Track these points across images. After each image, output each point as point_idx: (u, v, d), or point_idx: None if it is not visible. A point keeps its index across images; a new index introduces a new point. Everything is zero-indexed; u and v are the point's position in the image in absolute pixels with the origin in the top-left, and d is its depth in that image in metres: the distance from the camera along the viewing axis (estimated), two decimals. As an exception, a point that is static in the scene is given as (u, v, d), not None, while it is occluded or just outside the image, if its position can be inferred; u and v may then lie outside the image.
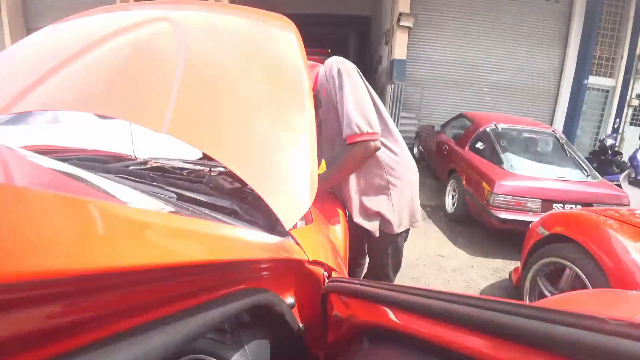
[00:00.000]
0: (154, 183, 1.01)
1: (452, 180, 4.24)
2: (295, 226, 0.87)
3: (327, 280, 0.74)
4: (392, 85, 7.05)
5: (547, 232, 2.14)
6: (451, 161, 4.43)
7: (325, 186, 1.39)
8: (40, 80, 1.12)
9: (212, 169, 1.58)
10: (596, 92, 8.44)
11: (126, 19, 1.36)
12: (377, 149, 1.26)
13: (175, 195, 0.93)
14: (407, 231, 1.49)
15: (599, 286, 1.67)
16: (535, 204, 3.24)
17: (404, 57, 7.48)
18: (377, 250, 1.50)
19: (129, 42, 1.23)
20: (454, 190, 4.17)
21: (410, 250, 3.20)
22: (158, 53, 1.17)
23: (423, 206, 4.47)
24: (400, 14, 7.20)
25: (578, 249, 1.84)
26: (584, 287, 1.75)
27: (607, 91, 8.47)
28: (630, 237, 1.67)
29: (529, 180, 3.36)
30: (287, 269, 0.71)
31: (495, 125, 4.11)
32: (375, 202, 1.38)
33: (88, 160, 1.39)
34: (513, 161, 3.65)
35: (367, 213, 1.39)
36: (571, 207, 3.26)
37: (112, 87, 1.09)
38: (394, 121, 7.01)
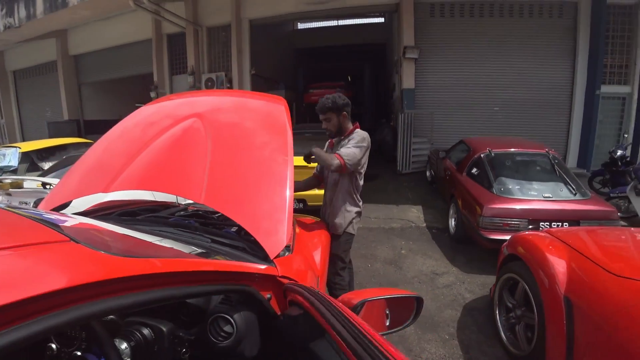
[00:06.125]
0: (197, 232, 1.62)
1: (452, 204, 4.65)
2: (279, 255, 1.42)
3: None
4: (402, 115, 7.56)
5: (507, 252, 2.57)
6: (452, 186, 4.84)
7: (317, 153, 2.28)
8: (122, 168, 1.89)
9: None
10: (612, 101, 8.47)
11: (169, 117, 2.09)
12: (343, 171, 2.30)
13: (209, 240, 1.53)
14: None
15: (538, 296, 2.08)
16: (522, 225, 3.59)
17: (413, 87, 8.02)
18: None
19: (173, 137, 1.97)
20: (455, 213, 4.56)
21: (409, 269, 3.66)
22: (194, 144, 1.88)
23: (430, 228, 4.89)
24: (406, 47, 7.78)
25: (524, 266, 2.26)
26: (528, 298, 2.17)
27: (624, 98, 8.48)
28: (559, 254, 2.08)
29: (516, 202, 3.73)
30: (267, 278, 1.23)
31: (489, 151, 4.50)
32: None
33: (148, 211, 2.07)
34: (503, 185, 4.03)
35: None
36: (558, 225, 3.59)
37: (167, 171, 1.83)
38: (407, 146, 7.48)
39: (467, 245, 4.19)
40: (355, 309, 1.01)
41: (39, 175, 5.26)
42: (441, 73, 8.39)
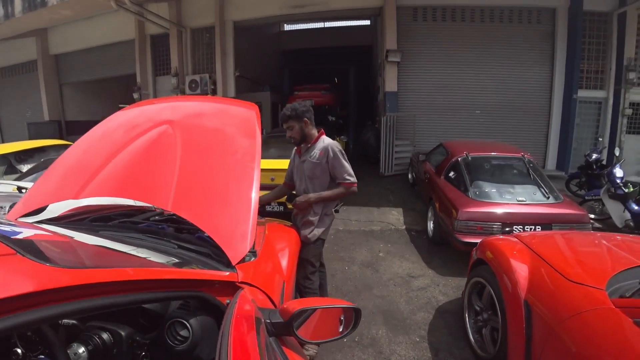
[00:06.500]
0: (165, 238, 1.65)
1: (431, 207, 4.72)
2: (244, 260, 1.48)
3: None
4: (385, 117, 7.63)
5: (476, 257, 2.63)
6: (430, 189, 4.92)
7: (317, 200, 2.35)
8: (93, 175, 1.91)
9: None
10: (589, 105, 8.70)
11: (141, 124, 2.11)
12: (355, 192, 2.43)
13: (176, 246, 1.56)
14: None
15: (501, 300, 2.14)
16: (496, 228, 3.67)
17: (395, 89, 8.11)
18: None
19: (145, 144, 1.99)
20: (434, 216, 4.63)
21: (386, 272, 3.71)
22: (164, 151, 1.91)
23: (409, 230, 4.95)
24: (388, 51, 7.86)
25: (490, 270, 2.32)
26: (493, 301, 2.23)
27: (600, 102, 8.73)
28: (522, 260, 2.14)
29: (491, 205, 3.81)
30: (227, 284, 1.29)
31: (467, 155, 4.59)
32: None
33: (124, 216, 2.06)
34: (479, 188, 4.12)
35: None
36: (531, 229, 3.68)
37: (136, 178, 1.86)
38: (390, 148, 7.55)
39: (444, 248, 4.26)
40: (294, 316, 1.05)
41: (17, 178, 5.16)
42: (423, 76, 8.52)
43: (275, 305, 1.52)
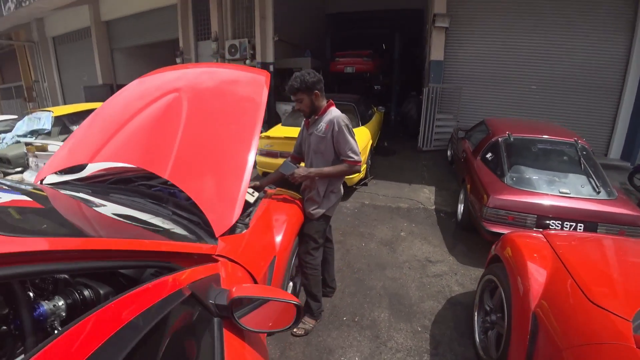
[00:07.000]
0: (163, 205, 1.72)
1: (463, 188, 4.40)
2: (233, 232, 1.56)
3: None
4: (427, 88, 7.13)
5: (493, 252, 2.41)
6: (465, 169, 4.57)
7: (317, 175, 2.24)
8: (107, 140, 2.02)
9: None
10: (673, 83, 7.44)
11: (155, 90, 2.16)
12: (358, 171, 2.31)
13: (171, 212, 1.63)
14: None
15: (509, 305, 1.93)
16: (530, 221, 3.33)
17: (442, 58, 7.46)
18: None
19: (154, 111, 2.05)
20: (465, 199, 4.32)
21: (403, 253, 3.57)
22: (170, 118, 1.96)
23: (438, 211, 4.70)
24: (435, 15, 7.19)
25: (504, 269, 2.11)
26: (503, 304, 2.03)
27: (688, 81, 7.43)
28: (542, 264, 1.90)
29: (527, 195, 3.42)
30: (205, 256, 1.32)
31: (509, 136, 4.15)
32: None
33: (143, 179, 2.16)
34: (517, 174, 3.73)
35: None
36: (572, 226, 3.28)
37: (141, 145, 1.93)
38: (430, 122, 7.08)
39: (472, 235, 3.98)
40: (233, 302, 1.07)
41: (65, 139, 5.60)
42: (474, 44, 7.70)
43: (255, 281, 1.56)
